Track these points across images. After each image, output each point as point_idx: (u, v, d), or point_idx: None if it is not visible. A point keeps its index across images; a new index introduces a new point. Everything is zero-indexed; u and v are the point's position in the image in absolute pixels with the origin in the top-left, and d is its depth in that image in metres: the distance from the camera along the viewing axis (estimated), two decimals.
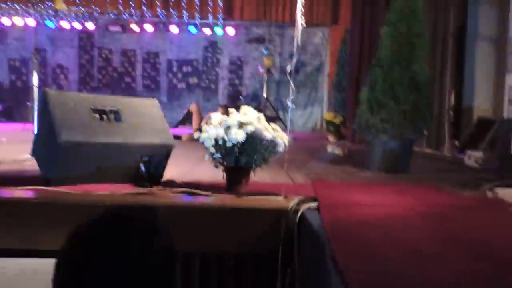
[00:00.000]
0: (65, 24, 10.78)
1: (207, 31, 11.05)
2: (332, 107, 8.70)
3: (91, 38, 11.35)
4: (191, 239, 2.08)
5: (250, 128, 2.47)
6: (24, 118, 7.14)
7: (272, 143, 2.53)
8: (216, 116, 2.58)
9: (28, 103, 4.42)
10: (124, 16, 10.56)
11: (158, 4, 10.17)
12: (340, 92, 8.28)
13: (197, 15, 10.31)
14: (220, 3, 10.11)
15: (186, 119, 8.41)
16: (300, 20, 3.01)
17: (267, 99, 10.37)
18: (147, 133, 2.81)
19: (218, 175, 2.65)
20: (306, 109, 11.10)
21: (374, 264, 1.55)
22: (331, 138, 7.48)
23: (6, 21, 10.63)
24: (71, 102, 2.66)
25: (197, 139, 2.56)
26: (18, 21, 10.58)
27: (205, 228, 2.10)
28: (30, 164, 3.10)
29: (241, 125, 2.48)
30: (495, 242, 1.85)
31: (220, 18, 10.44)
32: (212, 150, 2.49)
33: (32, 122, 4.08)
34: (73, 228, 0.90)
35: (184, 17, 10.47)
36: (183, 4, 10.10)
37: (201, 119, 7.33)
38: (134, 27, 10.92)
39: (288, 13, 10.16)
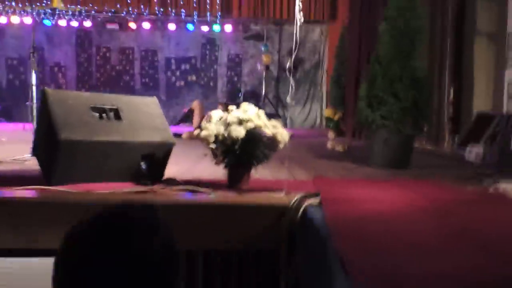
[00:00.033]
0: (62, 22, 10.75)
1: (205, 28, 11.03)
2: (331, 103, 8.69)
3: (88, 36, 11.32)
4: (193, 237, 2.08)
5: (250, 125, 2.47)
6: (24, 117, 7.12)
7: (272, 140, 2.53)
8: (216, 113, 2.58)
9: (27, 103, 4.40)
10: (122, 14, 10.54)
11: (156, 1, 10.15)
12: (339, 88, 8.26)
13: (194, 12, 10.29)
14: (218, 1, 10.09)
15: (188, 117, 8.40)
16: (299, 17, 3.00)
17: (266, 96, 10.37)
18: (147, 131, 2.80)
19: (218, 173, 2.65)
20: (305, 105, 11.10)
21: (377, 258, 1.55)
22: (331, 134, 7.48)
23: (2, 20, 10.59)
24: (70, 101, 2.65)
25: (197, 137, 2.55)
26: (15, 19, 10.54)
27: (207, 226, 2.10)
28: (31, 164, 3.10)
29: (241, 122, 2.48)
30: (497, 236, 1.85)
31: (218, 15, 10.43)
32: (213, 147, 2.48)
33: (32, 121, 4.07)
34: (71, 227, 0.90)
35: (181, 15, 10.45)
36: (180, 2, 10.09)
37: (202, 117, 7.33)
38: (132, 24, 10.90)
39: (285, 10, 10.15)
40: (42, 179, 2.51)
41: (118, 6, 10.17)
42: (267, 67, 10.80)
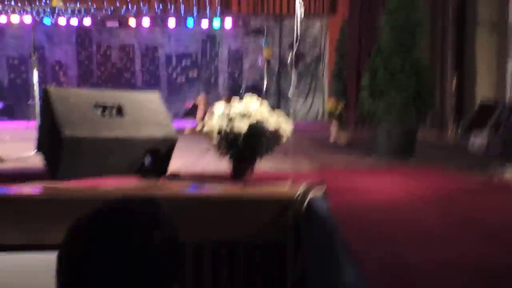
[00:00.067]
0: (62, 21, 10.74)
1: (205, 24, 11.00)
2: (333, 96, 8.68)
3: (88, 34, 11.31)
4: (200, 230, 2.08)
5: (253, 118, 2.46)
6: (26, 116, 7.13)
7: (275, 134, 2.53)
8: (219, 107, 2.57)
9: (29, 101, 4.41)
10: (121, 11, 10.52)
11: None
12: (341, 81, 8.24)
13: (194, 8, 10.26)
14: None
15: (192, 111, 8.40)
16: (299, 11, 2.99)
17: (267, 90, 10.34)
18: (150, 127, 2.80)
19: (222, 167, 2.65)
20: (307, 99, 11.08)
21: (381, 247, 1.55)
22: (333, 126, 7.46)
23: (2, 19, 10.59)
24: (72, 99, 2.65)
25: (200, 132, 2.55)
26: (15, 19, 10.54)
27: (213, 219, 2.10)
28: (35, 161, 3.10)
29: (244, 115, 2.47)
30: (500, 225, 1.85)
31: (217, 11, 10.40)
32: (216, 141, 2.48)
33: (34, 119, 4.07)
34: (73, 222, 0.90)
35: (181, 11, 10.42)
36: None
37: (206, 111, 7.32)
38: (132, 22, 10.87)
39: (285, 4, 10.12)
40: (47, 176, 2.51)
41: (117, 3, 10.14)
42: (268, 62, 10.76)
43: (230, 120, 2.46)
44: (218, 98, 9.20)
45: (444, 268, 1.38)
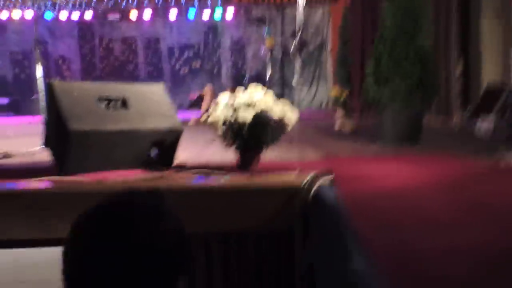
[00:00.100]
0: (63, 15, 10.72)
1: (206, 14, 10.95)
2: (337, 83, 8.64)
3: (90, 28, 11.29)
4: (207, 221, 2.09)
5: (258, 107, 2.45)
6: (31, 111, 7.16)
7: (280, 123, 2.52)
8: (224, 98, 2.57)
9: (34, 96, 4.42)
10: (122, 3, 10.48)
11: None
12: (345, 69, 8.21)
13: None
14: None
15: (197, 102, 8.39)
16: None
17: (271, 79, 10.30)
18: (155, 119, 2.80)
19: (228, 157, 2.65)
20: (311, 87, 11.04)
21: (397, 235, 1.55)
22: (338, 113, 7.44)
23: (4, 15, 10.58)
24: (76, 92, 2.65)
25: (205, 123, 2.55)
26: (16, 14, 10.53)
27: (220, 209, 2.10)
28: (42, 156, 3.11)
29: (248, 105, 2.47)
30: (508, 209, 1.84)
31: (219, 0, 10.34)
32: (222, 131, 2.48)
33: (40, 114, 4.08)
34: (77, 217, 0.90)
35: (182, 2, 10.37)
36: None
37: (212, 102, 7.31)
38: (133, 14, 10.83)
39: None
40: (55, 170, 2.53)
41: None
42: (270, 51, 10.70)
43: (235, 110, 2.45)
44: (222, 89, 9.21)
45: (452, 254, 1.38)
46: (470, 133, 4.35)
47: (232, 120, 2.42)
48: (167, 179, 2.33)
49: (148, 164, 2.63)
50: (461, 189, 2.15)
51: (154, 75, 11.27)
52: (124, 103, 2.76)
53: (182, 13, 10.92)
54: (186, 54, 11.35)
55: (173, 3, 10.37)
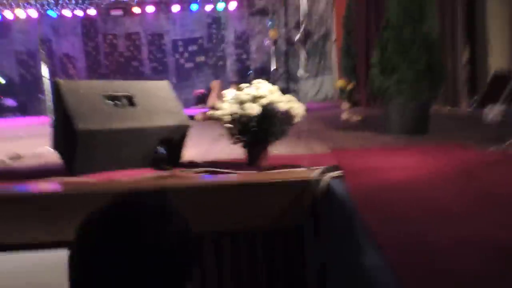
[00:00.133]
0: (66, 12, 10.72)
1: (209, 7, 10.91)
2: (342, 74, 8.59)
3: (94, 25, 11.29)
4: (218, 218, 2.09)
5: (264, 101, 2.44)
6: (39, 111, 7.20)
7: (288, 114, 2.51)
8: (229, 92, 2.56)
9: (40, 96, 4.43)
10: None
11: None
12: (350, 58, 8.15)
13: None
14: None
15: (204, 97, 8.38)
16: None
17: (276, 71, 10.27)
18: (162, 116, 2.79)
19: (236, 152, 2.64)
20: (316, 78, 10.99)
21: (405, 227, 1.54)
22: (345, 105, 7.41)
23: (8, 14, 10.61)
24: (82, 90, 2.65)
25: (212, 117, 2.54)
26: (20, 13, 10.55)
27: (230, 206, 2.10)
28: (51, 157, 3.13)
29: (255, 99, 2.46)
30: None
31: None
32: (229, 126, 2.47)
33: (47, 114, 4.10)
34: (82, 219, 0.91)
35: None
36: None
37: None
38: (136, 9, 10.82)
39: None
40: (65, 171, 2.54)
41: None
42: (274, 42, 10.67)
43: (242, 103, 2.44)
44: (227, 83, 9.20)
45: (462, 246, 1.37)
46: (478, 122, 4.31)
47: (240, 114, 2.42)
48: (175, 178, 2.33)
49: (155, 162, 2.63)
50: (470, 179, 2.13)
51: (159, 70, 11.28)
52: (131, 101, 2.76)
53: (185, 6, 10.90)
54: (190, 48, 11.34)
55: None
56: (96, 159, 2.55)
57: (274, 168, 2.35)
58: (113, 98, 2.73)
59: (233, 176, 2.27)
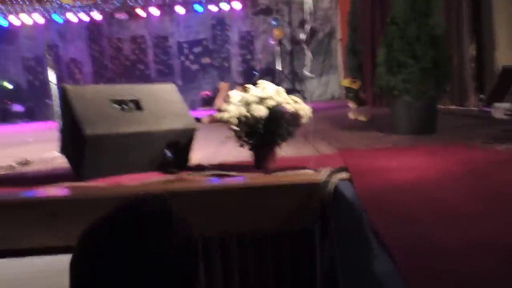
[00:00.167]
0: (72, 18, 10.79)
1: (213, 8, 10.92)
2: (348, 72, 8.56)
3: (99, 29, 11.35)
4: (225, 221, 2.09)
5: (271, 103, 2.44)
6: (46, 116, 7.25)
7: (295, 115, 2.50)
8: (235, 94, 2.56)
9: (48, 101, 4.46)
10: (129, 2, 10.50)
11: None
12: (355, 56, 8.12)
13: None
14: None
15: (211, 99, 8.39)
16: None
17: (281, 71, 10.26)
18: (169, 119, 2.80)
19: (243, 155, 2.64)
20: (322, 77, 10.96)
21: (414, 229, 1.53)
22: (351, 104, 7.39)
23: (15, 21, 10.69)
24: (89, 95, 2.66)
25: (219, 120, 2.54)
26: (27, 19, 10.63)
27: (239, 209, 2.10)
28: (60, 162, 3.15)
29: (261, 100, 2.45)
30: None
31: None
32: (236, 128, 2.47)
33: (55, 120, 4.12)
34: (86, 226, 0.91)
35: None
36: None
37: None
38: (140, 12, 10.86)
39: None
40: (72, 176, 2.55)
41: None
42: (279, 42, 10.65)
43: (249, 105, 2.44)
44: (233, 83, 9.21)
45: (472, 248, 1.35)
46: (487, 117, 4.28)
47: (247, 115, 2.41)
48: (182, 181, 2.34)
49: (164, 165, 2.64)
50: (479, 179, 2.11)
51: (165, 73, 11.31)
52: (138, 105, 2.77)
53: (189, 9, 10.93)
54: (195, 50, 11.36)
55: (180, 0, 10.36)
56: (103, 164, 2.56)
57: (282, 170, 2.34)
58: (120, 102, 2.74)
59: (240, 179, 2.27)
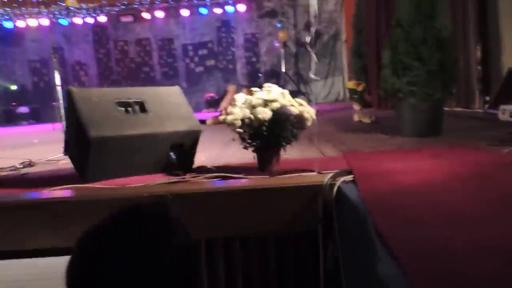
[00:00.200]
0: (77, 20, 10.85)
1: (218, 10, 10.95)
2: (353, 74, 8.54)
3: (104, 32, 11.41)
4: (230, 223, 2.09)
5: (275, 105, 2.44)
6: (52, 118, 7.29)
7: (300, 118, 2.50)
8: (240, 97, 2.56)
9: (53, 103, 4.49)
10: (135, 5, 10.54)
11: None
12: (360, 58, 8.11)
13: None
14: None
15: (216, 101, 8.41)
16: None
17: (286, 73, 10.26)
18: (173, 121, 2.81)
19: (247, 157, 2.64)
20: (327, 79, 10.95)
21: (418, 232, 1.52)
22: (356, 106, 7.37)
23: (21, 24, 10.77)
24: (95, 98, 2.67)
25: (223, 122, 2.54)
26: (33, 22, 10.70)
27: (242, 211, 2.10)
28: (64, 163, 3.16)
29: (266, 103, 2.45)
30: None
31: None
32: (240, 131, 2.47)
33: (60, 121, 4.14)
34: (86, 229, 0.91)
35: (193, 2, 10.39)
36: None
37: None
38: (146, 15, 10.90)
39: None
40: (77, 178, 2.56)
41: None
42: (284, 44, 10.67)
43: (253, 107, 2.44)
44: (238, 85, 9.22)
45: (479, 251, 1.34)
46: (493, 119, 4.25)
47: (251, 118, 2.41)
48: (187, 183, 2.34)
49: (168, 167, 2.64)
50: (486, 181, 2.09)
51: (170, 75, 11.34)
52: (143, 107, 2.78)
53: (194, 11, 10.96)
54: (200, 52, 11.39)
55: (185, 1, 10.39)
56: (108, 166, 2.57)
57: (286, 172, 2.34)
58: (125, 104, 2.75)
59: (245, 181, 2.26)
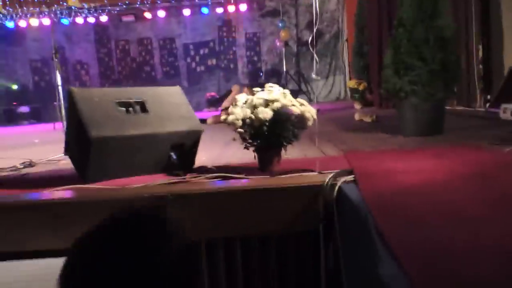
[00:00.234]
0: (79, 20, 10.86)
1: (219, 10, 10.95)
2: (354, 73, 8.53)
3: (106, 31, 11.41)
4: (230, 224, 2.09)
5: (276, 105, 2.43)
6: (53, 118, 7.30)
7: (301, 118, 2.49)
8: (241, 97, 2.55)
9: (54, 103, 4.49)
10: (136, 4, 10.55)
11: None
12: (361, 58, 8.09)
13: None
14: None
15: (217, 101, 8.42)
16: None
17: (287, 73, 10.26)
18: (174, 121, 2.81)
19: (248, 157, 2.64)
20: (328, 78, 10.95)
21: (419, 232, 1.51)
22: (357, 105, 7.37)
23: (22, 23, 10.79)
24: (96, 98, 2.67)
25: (224, 122, 2.54)
26: (34, 22, 10.72)
27: (243, 211, 2.10)
28: (65, 163, 3.16)
29: (267, 102, 2.45)
30: None
31: None
32: (241, 131, 2.47)
33: (61, 121, 4.15)
34: (82, 233, 0.91)
35: (195, 1, 10.39)
36: None
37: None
38: (147, 14, 10.90)
39: None
40: (78, 178, 2.56)
41: None
42: (286, 43, 10.66)
43: (254, 107, 2.44)
44: (240, 85, 9.22)
45: (481, 251, 1.33)
46: (495, 118, 4.24)
47: (252, 118, 2.41)
48: (187, 183, 2.34)
49: (169, 168, 2.64)
50: (487, 180, 2.08)
51: (171, 74, 11.34)
52: (143, 107, 2.78)
53: (196, 11, 10.97)
54: (201, 52, 11.39)
55: (186, 1, 10.39)
56: (109, 166, 2.57)
57: (286, 172, 2.33)
58: (125, 105, 2.75)
59: (245, 182, 2.26)
